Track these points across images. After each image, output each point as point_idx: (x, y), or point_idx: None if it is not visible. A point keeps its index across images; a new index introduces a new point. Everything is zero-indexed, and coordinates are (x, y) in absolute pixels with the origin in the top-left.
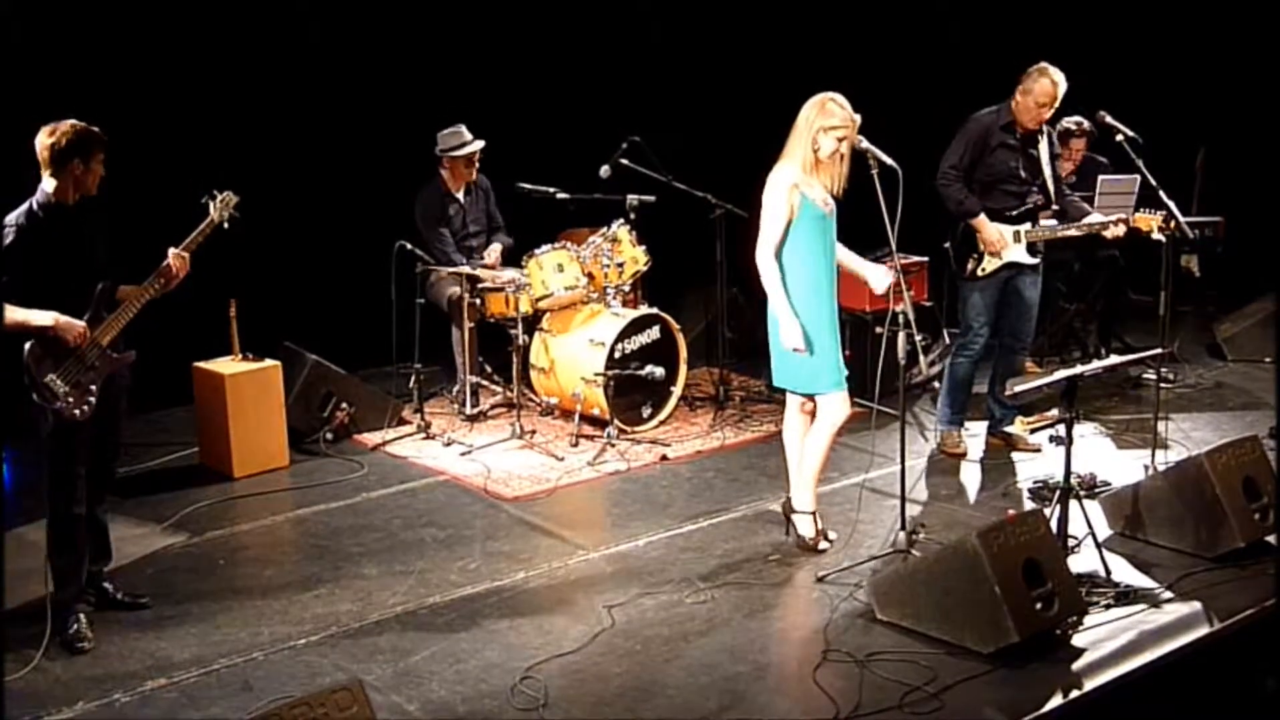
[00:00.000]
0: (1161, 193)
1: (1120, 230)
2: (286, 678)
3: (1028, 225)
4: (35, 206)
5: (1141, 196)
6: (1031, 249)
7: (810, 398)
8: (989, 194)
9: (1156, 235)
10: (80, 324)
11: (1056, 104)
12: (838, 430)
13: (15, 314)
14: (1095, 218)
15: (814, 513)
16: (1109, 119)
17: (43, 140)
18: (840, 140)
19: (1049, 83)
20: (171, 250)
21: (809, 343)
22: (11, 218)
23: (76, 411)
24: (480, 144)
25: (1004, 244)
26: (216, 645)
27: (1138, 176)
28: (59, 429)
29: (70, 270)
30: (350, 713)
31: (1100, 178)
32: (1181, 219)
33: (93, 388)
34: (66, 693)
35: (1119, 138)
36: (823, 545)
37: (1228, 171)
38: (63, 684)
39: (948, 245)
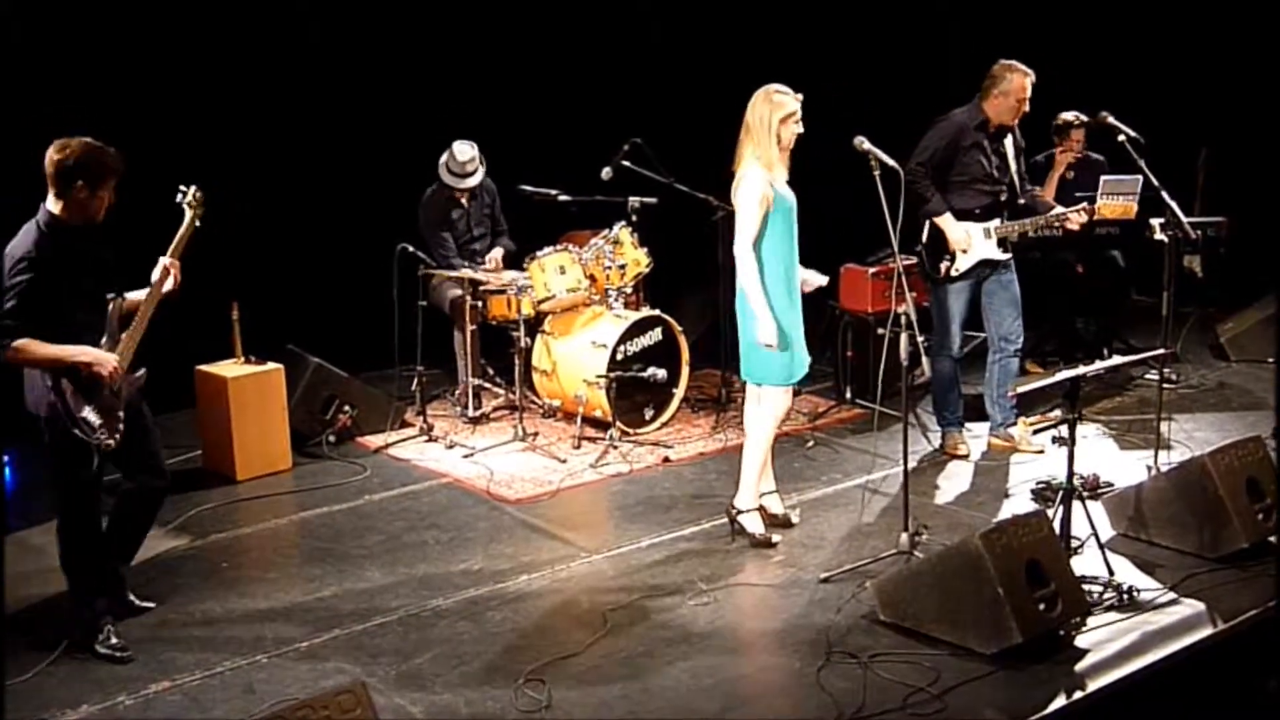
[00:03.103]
0: (1164, 193)
1: (1084, 218)
2: (289, 680)
3: (996, 221)
4: (42, 230)
5: (1145, 197)
6: (1002, 244)
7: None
8: (962, 193)
9: (1159, 236)
10: (113, 359)
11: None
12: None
13: (51, 350)
14: (1059, 209)
15: (759, 509)
16: (1111, 119)
17: (51, 155)
18: (797, 123)
19: (1022, 75)
20: (162, 260)
21: (784, 335)
22: (19, 250)
23: (110, 441)
24: (476, 180)
25: (969, 242)
26: (219, 648)
27: (1140, 177)
28: (69, 445)
29: (83, 294)
30: (353, 715)
31: (1103, 178)
32: (1184, 219)
33: (120, 413)
34: (70, 695)
35: (1121, 138)
36: (775, 539)
37: (1230, 172)
38: (66, 686)
39: (919, 249)
